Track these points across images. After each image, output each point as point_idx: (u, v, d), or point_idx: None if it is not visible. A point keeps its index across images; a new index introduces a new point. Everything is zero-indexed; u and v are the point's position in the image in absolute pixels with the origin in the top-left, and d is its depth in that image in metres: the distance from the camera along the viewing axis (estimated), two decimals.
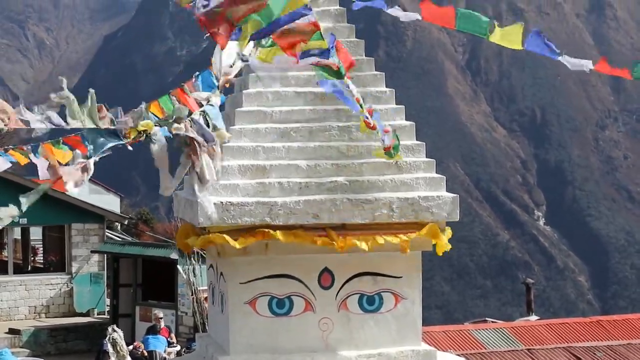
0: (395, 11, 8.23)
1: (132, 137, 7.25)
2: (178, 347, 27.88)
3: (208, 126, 7.51)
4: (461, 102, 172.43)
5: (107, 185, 52.24)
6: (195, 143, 7.28)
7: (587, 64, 7.89)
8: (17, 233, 36.99)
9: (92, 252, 34.80)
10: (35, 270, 36.96)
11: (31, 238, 38.15)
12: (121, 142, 7.29)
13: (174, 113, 7.47)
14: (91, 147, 7.52)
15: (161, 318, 28.42)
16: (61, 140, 8.04)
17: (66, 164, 7.24)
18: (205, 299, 28.46)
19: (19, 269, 35.95)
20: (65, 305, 34.70)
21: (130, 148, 8.22)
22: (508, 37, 7.84)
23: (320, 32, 6.86)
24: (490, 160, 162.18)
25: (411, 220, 7.98)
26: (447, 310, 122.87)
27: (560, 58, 7.82)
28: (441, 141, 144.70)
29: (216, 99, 7.72)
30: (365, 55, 8.73)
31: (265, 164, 8.03)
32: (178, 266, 30.73)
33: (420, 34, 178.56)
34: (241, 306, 7.99)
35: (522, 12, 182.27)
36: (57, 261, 35.90)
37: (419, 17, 8.03)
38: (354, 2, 8.10)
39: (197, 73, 8.03)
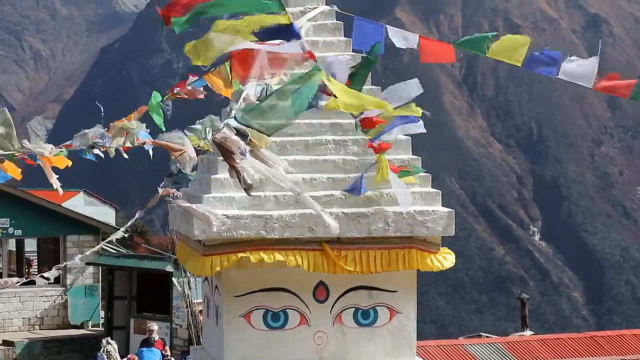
0: (393, 35, 8.12)
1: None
2: None
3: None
4: (457, 117, 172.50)
5: (102, 197, 52.13)
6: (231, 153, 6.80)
7: (590, 75, 7.38)
8: (11, 245, 36.86)
9: (86, 264, 34.68)
10: (30, 281, 36.70)
11: (26, 250, 38.00)
12: None
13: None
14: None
15: (153, 330, 28.30)
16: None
17: None
18: (200, 311, 28.40)
19: None
20: (59, 317, 34.58)
21: (125, 156, 8.21)
22: (508, 50, 7.62)
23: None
24: (486, 175, 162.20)
25: (406, 234, 7.98)
26: (442, 325, 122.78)
27: (563, 64, 7.36)
28: (437, 156, 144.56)
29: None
30: None
31: (261, 177, 8.00)
32: (173, 279, 30.67)
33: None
34: (236, 319, 7.97)
35: (518, 27, 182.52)
36: None
37: (415, 45, 7.91)
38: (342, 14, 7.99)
39: (194, 79, 7.90)
